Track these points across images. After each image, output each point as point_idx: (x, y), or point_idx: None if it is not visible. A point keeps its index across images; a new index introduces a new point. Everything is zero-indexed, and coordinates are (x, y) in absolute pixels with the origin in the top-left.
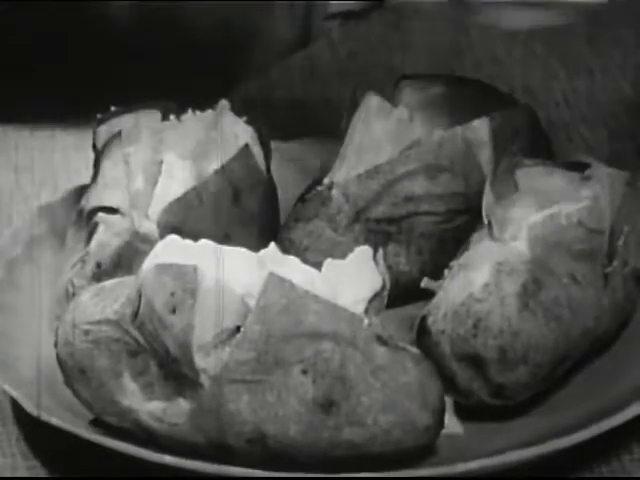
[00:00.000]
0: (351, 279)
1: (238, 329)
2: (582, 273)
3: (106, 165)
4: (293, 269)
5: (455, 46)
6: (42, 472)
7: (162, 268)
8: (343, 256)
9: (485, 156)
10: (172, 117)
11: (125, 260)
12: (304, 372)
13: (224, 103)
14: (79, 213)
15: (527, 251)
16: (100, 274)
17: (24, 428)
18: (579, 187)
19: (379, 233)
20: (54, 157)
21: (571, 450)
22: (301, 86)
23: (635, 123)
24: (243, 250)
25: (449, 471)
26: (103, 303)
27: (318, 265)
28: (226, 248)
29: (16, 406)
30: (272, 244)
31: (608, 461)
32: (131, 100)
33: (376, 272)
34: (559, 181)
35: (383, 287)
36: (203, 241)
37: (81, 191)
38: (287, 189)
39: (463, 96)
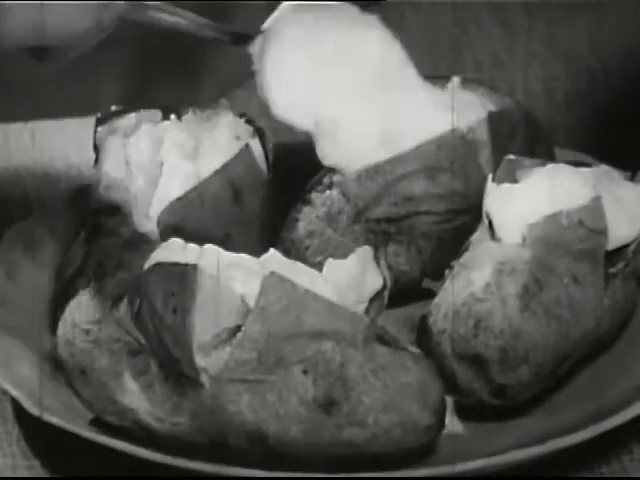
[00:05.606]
0: (352, 279)
1: (238, 329)
2: (583, 273)
3: (106, 165)
4: (293, 270)
5: (455, 46)
6: (42, 472)
7: (162, 268)
8: (344, 256)
9: (485, 156)
10: (172, 117)
11: (125, 260)
12: (305, 372)
13: (224, 103)
14: (79, 213)
15: (528, 251)
16: (100, 274)
17: (25, 428)
18: (579, 187)
19: (379, 233)
20: (54, 157)
21: (571, 450)
22: None
23: (635, 123)
24: (244, 255)
25: (449, 471)
26: (103, 303)
27: (319, 265)
28: (227, 253)
29: (17, 406)
30: (272, 250)
31: (608, 461)
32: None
33: (377, 272)
34: (559, 181)
35: (384, 287)
36: (206, 246)
37: (81, 191)
38: (287, 189)
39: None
